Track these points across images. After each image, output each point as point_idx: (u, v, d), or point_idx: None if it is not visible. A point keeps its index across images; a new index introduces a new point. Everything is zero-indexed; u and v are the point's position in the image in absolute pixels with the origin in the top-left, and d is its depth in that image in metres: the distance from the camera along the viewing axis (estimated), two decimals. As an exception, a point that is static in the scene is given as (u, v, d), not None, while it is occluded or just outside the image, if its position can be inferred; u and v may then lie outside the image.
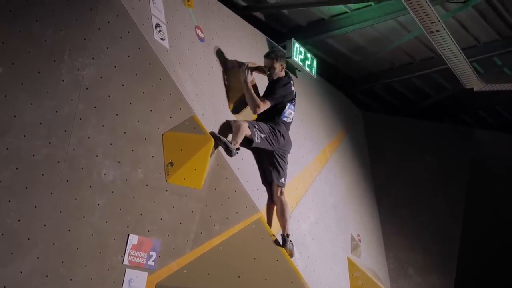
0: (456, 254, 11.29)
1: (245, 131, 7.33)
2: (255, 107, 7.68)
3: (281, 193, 7.75)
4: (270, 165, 7.80)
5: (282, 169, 7.81)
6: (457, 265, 11.26)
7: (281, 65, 7.98)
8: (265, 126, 7.64)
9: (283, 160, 7.85)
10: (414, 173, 11.76)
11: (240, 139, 7.25)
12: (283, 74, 8.01)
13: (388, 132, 11.95)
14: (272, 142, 7.66)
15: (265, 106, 7.69)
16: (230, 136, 7.27)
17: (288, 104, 7.88)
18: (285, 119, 7.86)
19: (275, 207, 7.76)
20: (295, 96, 8.01)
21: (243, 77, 7.78)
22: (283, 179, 7.80)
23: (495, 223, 11.64)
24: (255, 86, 8.02)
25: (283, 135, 7.77)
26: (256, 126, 7.51)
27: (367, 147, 11.73)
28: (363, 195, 10.95)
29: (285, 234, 7.51)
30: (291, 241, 7.51)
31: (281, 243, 7.41)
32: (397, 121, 12.24)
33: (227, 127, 7.37)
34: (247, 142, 7.43)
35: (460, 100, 12.67)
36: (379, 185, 11.50)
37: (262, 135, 7.53)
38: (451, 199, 11.61)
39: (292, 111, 7.96)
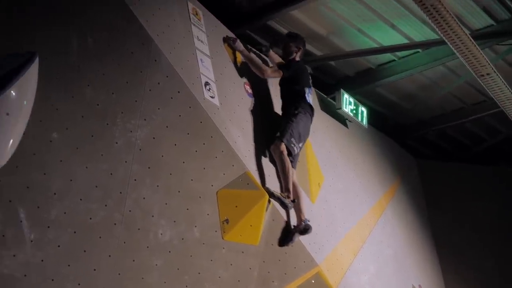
0: (522, 302, 10.99)
1: (284, 152, 7.15)
2: (261, 72, 7.57)
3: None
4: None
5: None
6: (524, 314, 10.96)
7: (296, 47, 7.91)
8: (299, 122, 7.42)
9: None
10: (474, 218, 11.52)
11: (290, 181, 7.07)
12: (297, 58, 7.92)
13: (444, 178, 11.78)
14: (307, 133, 7.56)
15: (274, 73, 7.63)
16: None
17: (307, 89, 7.74)
18: (310, 102, 7.71)
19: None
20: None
21: (238, 48, 7.59)
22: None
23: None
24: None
25: (311, 118, 7.66)
26: (291, 134, 7.28)
27: (423, 194, 11.58)
28: (422, 244, 10.76)
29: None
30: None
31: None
32: (453, 167, 12.08)
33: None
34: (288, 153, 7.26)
35: (515, 143, 12.48)
36: (438, 232, 11.31)
37: (300, 144, 7.38)
38: (514, 244, 11.35)
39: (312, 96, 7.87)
